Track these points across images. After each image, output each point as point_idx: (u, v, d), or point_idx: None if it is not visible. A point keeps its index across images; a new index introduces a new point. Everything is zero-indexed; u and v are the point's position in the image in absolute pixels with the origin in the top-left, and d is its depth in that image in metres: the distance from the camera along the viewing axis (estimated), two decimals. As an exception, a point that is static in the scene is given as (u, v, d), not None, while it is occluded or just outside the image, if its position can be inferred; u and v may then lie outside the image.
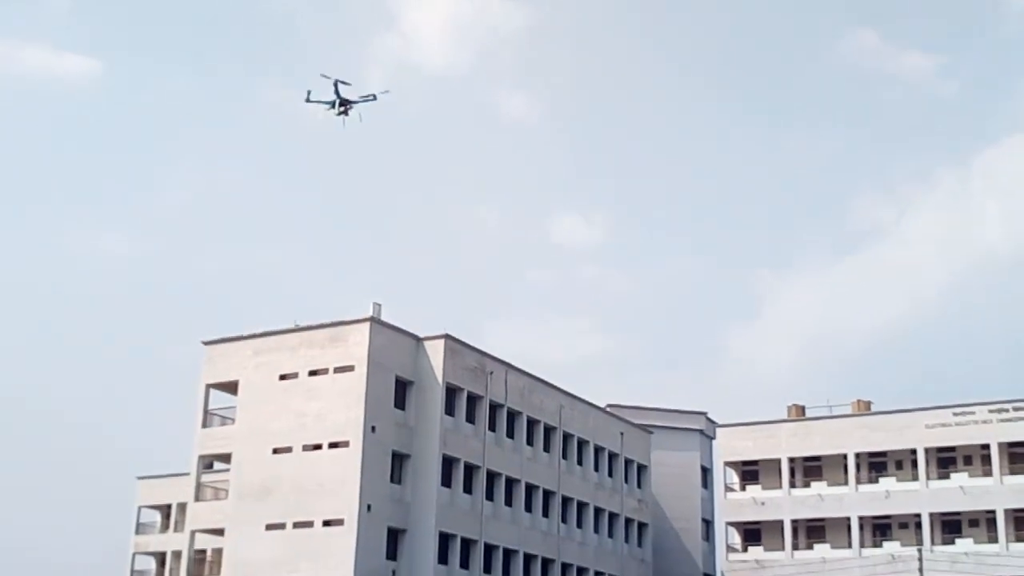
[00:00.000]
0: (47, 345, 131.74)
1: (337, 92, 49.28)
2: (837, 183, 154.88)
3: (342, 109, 49.54)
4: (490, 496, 61.04)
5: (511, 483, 62.70)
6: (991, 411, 66.11)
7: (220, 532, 57.63)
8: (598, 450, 70.61)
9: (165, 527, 75.23)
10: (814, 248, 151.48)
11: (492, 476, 61.23)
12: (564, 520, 66.79)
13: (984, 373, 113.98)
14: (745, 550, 71.42)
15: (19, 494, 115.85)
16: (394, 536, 55.85)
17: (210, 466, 61.90)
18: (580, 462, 69.01)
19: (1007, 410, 65.74)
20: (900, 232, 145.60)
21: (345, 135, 52.24)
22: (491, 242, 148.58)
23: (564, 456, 67.35)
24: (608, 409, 74.04)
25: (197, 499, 59.38)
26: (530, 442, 64.73)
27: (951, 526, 67.42)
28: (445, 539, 57.27)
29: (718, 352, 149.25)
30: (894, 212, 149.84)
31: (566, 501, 67.08)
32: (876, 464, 69.78)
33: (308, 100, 50.29)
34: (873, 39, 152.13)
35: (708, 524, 78.48)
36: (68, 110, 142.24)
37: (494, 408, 61.92)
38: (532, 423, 64.84)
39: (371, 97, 50.51)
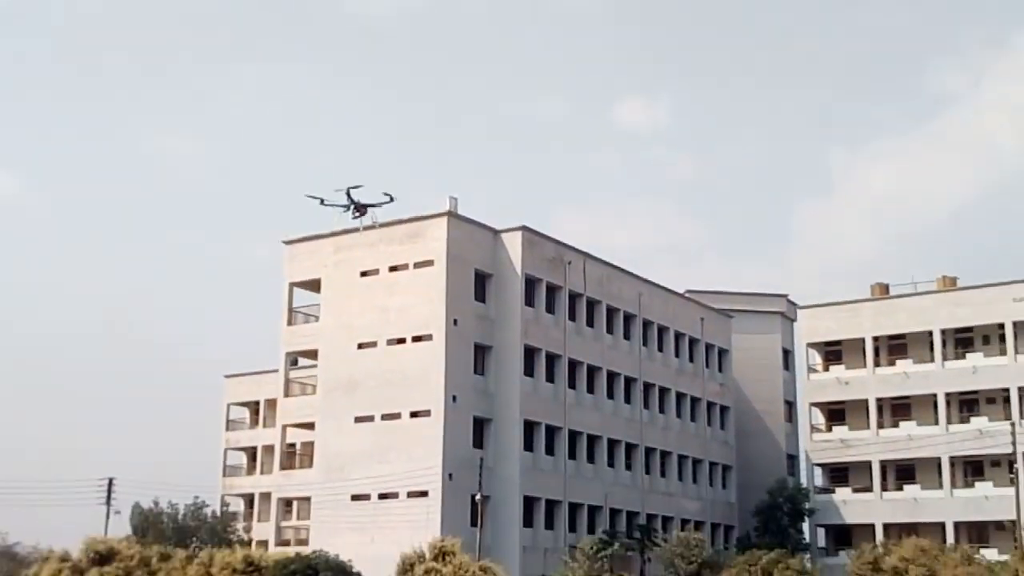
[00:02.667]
0: (133, 249, 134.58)
1: (350, 198, 50.44)
2: (908, 54, 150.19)
3: (358, 214, 51.45)
4: (572, 384, 61.44)
5: (593, 371, 63.01)
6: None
7: (310, 426, 58.96)
8: (678, 336, 70.51)
9: (254, 423, 76.97)
10: (886, 123, 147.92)
11: (574, 365, 61.53)
12: (646, 406, 67.16)
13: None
14: (829, 430, 71.27)
15: (114, 398, 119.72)
16: (480, 425, 56.64)
17: (295, 363, 63.09)
18: (660, 348, 69.03)
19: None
20: (976, 101, 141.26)
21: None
22: (557, 130, 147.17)
23: (644, 343, 67.39)
24: (687, 295, 73.69)
25: (286, 395, 60.71)
26: (610, 330, 64.79)
27: (1040, 400, 66.34)
28: (530, 427, 57.95)
29: (793, 234, 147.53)
30: (969, 80, 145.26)
31: (648, 387, 67.33)
32: (963, 340, 68.69)
33: (322, 203, 51.79)
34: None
35: (791, 406, 78.35)
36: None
37: (573, 298, 61.93)
38: (612, 311, 64.81)
39: (388, 199, 54.02)
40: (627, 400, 65.65)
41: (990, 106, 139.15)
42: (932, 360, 68.09)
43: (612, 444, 63.71)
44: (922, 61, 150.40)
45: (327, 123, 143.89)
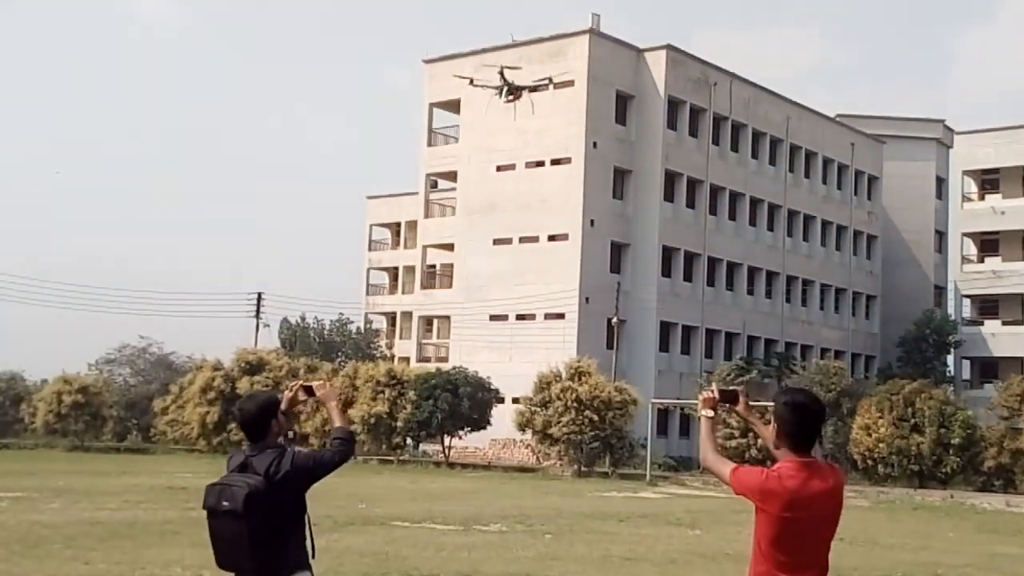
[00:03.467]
0: (274, 73, 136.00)
1: (504, 78, 47.60)
2: None
3: (511, 97, 48.32)
4: (713, 210, 60.36)
5: (735, 197, 61.66)
6: None
7: (449, 247, 59.61)
8: (827, 162, 68.21)
9: (396, 244, 78.19)
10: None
11: (716, 190, 60.30)
12: (790, 233, 65.68)
13: None
14: (981, 261, 68.60)
15: (262, 218, 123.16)
16: (617, 250, 56.37)
17: (435, 185, 63.45)
18: (807, 175, 66.97)
19: None
20: None
21: None
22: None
23: (791, 169, 65.43)
24: (837, 119, 70.85)
25: (426, 216, 61.33)
26: (755, 155, 63.02)
27: None
28: (668, 253, 57.43)
29: (952, 58, 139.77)
30: None
31: (792, 214, 65.69)
32: None
33: (472, 83, 48.71)
34: None
35: (942, 236, 75.58)
36: None
37: (718, 121, 60.19)
38: (757, 135, 62.87)
39: (545, 82, 49.68)
40: (770, 227, 64.28)
41: None
42: (1098, 190, 64.46)
43: (752, 272, 62.78)
44: None
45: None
